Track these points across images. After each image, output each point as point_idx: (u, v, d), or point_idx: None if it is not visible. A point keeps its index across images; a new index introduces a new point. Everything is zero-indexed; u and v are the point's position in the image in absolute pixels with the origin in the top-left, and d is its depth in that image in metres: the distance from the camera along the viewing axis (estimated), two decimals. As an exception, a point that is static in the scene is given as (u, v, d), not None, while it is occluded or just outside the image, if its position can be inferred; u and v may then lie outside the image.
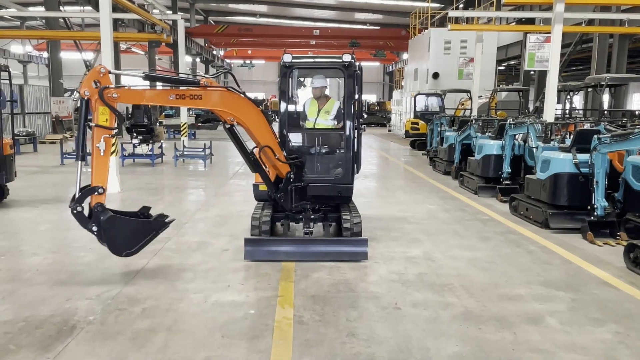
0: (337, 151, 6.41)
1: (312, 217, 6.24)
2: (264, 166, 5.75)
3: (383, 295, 4.81)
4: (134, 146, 14.59)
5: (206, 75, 5.14)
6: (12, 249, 6.23)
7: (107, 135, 4.79)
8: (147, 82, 5.21)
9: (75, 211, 4.74)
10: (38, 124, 21.26)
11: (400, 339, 3.92)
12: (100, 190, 4.82)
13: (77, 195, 4.74)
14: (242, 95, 5.19)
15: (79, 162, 4.83)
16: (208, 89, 5.00)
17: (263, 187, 6.22)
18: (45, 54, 29.86)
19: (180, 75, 5.85)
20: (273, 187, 5.88)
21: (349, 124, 6.14)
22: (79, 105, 5.37)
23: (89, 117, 4.84)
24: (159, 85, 5.49)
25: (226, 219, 7.79)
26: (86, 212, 4.92)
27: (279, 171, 5.79)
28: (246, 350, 3.73)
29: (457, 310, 4.49)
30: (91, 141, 4.79)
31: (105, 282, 5.05)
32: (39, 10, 25.12)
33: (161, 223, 5.11)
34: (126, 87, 4.97)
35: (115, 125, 4.91)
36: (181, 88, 5.04)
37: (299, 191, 5.94)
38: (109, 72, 4.93)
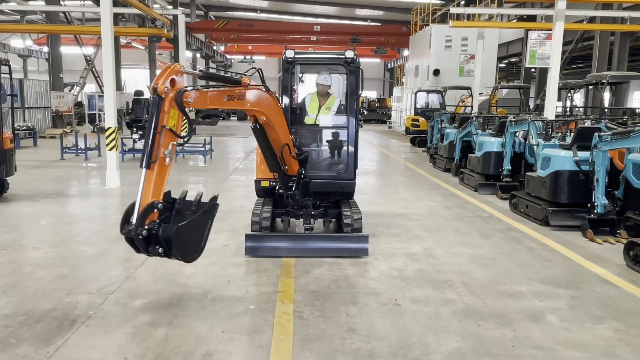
0: (339, 147, 6.40)
1: (312, 213, 6.24)
2: (283, 165, 5.65)
3: (383, 292, 4.81)
4: (134, 141, 14.58)
5: (244, 74, 4.84)
6: (13, 242, 6.23)
7: (175, 143, 4.01)
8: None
9: (140, 237, 3.77)
10: (38, 118, 21.24)
11: (400, 335, 3.93)
12: (160, 206, 3.88)
13: (136, 215, 3.78)
14: (270, 93, 5.00)
15: (144, 170, 3.82)
16: (249, 88, 4.69)
17: (265, 183, 6.22)
18: (45, 49, 29.78)
19: (225, 73, 5.10)
20: (285, 185, 5.85)
21: (351, 120, 6.13)
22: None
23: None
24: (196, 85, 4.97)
25: (227, 215, 7.79)
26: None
27: (291, 168, 5.77)
28: (246, 345, 3.74)
29: (457, 306, 4.50)
30: (152, 146, 3.86)
31: (106, 277, 5.06)
32: (39, 4, 25.07)
33: (213, 208, 4.43)
34: (199, 90, 4.23)
35: (186, 134, 4.11)
36: (230, 88, 4.57)
37: (304, 187, 5.96)
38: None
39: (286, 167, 5.67)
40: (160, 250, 3.84)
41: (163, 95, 3.83)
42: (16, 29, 29.40)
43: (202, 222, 4.27)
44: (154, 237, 3.82)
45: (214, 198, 4.34)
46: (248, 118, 5.19)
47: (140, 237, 3.76)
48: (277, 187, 6.10)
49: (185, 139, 4.09)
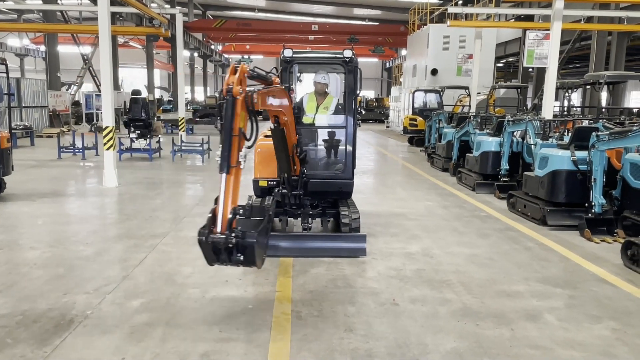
0: (337, 147, 6.39)
1: (310, 212, 6.24)
2: (293, 165, 5.63)
3: (381, 291, 4.81)
4: (132, 140, 14.56)
5: (273, 73, 4.80)
6: (10, 242, 6.21)
7: (245, 147, 3.89)
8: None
9: (232, 243, 3.57)
10: (35, 117, 21.19)
11: (398, 335, 3.93)
12: (241, 212, 3.78)
13: (221, 223, 3.61)
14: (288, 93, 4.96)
15: (224, 176, 3.65)
16: (281, 89, 4.64)
17: (263, 182, 6.22)
18: (42, 48, 29.75)
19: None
20: (292, 184, 5.84)
21: (349, 119, 6.13)
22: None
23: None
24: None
25: (224, 214, 7.78)
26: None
27: (297, 168, 5.75)
28: (244, 345, 3.73)
29: (455, 306, 4.50)
30: (231, 150, 3.71)
31: (103, 276, 5.04)
32: (36, 3, 25.00)
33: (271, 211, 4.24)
34: (258, 91, 4.10)
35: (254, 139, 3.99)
36: (271, 88, 4.53)
37: (304, 187, 5.96)
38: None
39: (295, 166, 5.69)
40: (241, 257, 3.65)
41: (238, 97, 3.69)
42: (13, 28, 29.30)
43: (269, 226, 4.15)
44: (237, 243, 3.62)
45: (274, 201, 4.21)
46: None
47: (231, 244, 3.58)
48: (279, 188, 6.01)
49: (253, 142, 3.98)
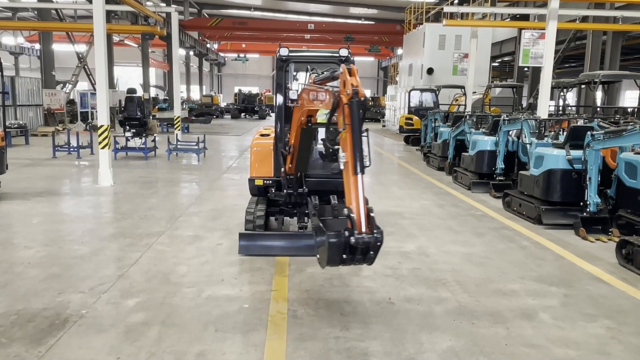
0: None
1: (306, 211, 6.22)
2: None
3: (377, 290, 4.82)
4: (127, 139, 14.51)
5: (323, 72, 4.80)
6: (4, 241, 6.18)
7: None
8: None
9: (380, 242, 3.50)
10: (30, 116, 21.08)
11: (394, 334, 3.93)
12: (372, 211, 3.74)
13: (365, 223, 3.52)
14: None
15: (359, 177, 3.57)
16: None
17: (259, 181, 6.20)
18: (37, 46, 29.57)
19: None
20: (298, 183, 5.85)
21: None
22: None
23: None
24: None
25: (220, 213, 7.77)
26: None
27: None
28: (240, 344, 3.73)
29: (450, 305, 4.51)
30: (362, 150, 3.64)
31: (98, 276, 5.02)
32: (31, 1, 24.85)
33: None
34: None
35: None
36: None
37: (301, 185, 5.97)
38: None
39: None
40: (372, 255, 3.57)
41: (363, 98, 3.62)
42: (8, 26, 29.16)
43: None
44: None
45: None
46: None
47: (379, 244, 3.51)
48: (284, 188, 5.92)
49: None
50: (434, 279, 5.15)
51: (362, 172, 3.58)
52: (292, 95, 4.67)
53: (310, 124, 4.83)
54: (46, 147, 15.36)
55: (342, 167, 3.62)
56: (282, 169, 5.76)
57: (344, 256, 3.52)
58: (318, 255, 3.78)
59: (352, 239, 3.43)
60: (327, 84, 4.56)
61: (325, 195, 6.42)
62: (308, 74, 6.50)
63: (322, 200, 6.54)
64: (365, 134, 3.66)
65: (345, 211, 3.57)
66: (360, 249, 3.48)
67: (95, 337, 3.78)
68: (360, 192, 3.56)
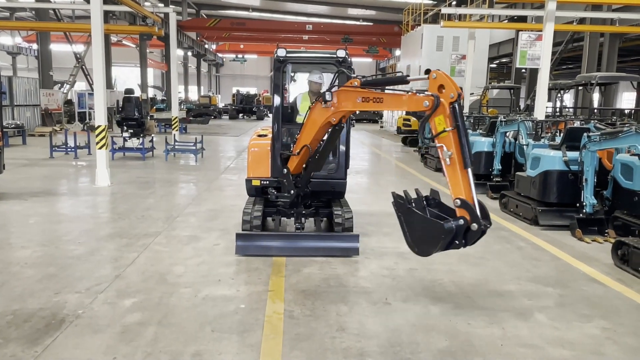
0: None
1: (303, 212, 6.24)
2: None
3: (374, 290, 4.82)
4: (124, 139, 14.50)
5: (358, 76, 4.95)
6: (0, 241, 6.17)
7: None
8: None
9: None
10: (27, 116, 21.04)
11: (390, 334, 3.94)
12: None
13: (480, 212, 3.92)
14: None
15: (469, 171, 3.92)
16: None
17: (256, 182, 6.21)
18: (34, 46, 29.52)
19: None
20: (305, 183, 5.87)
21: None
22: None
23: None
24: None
25: (217, 214, 7.77)
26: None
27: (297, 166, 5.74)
28: (237, 344, 3.73)
29: (447, 305, 4.52)
30: (468, 147, 3.98)
31: (95, 276, 5.02)
32: (28, 1, 24.82)
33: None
34: None
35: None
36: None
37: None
38: None
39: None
40: (478, 239, 4.04)
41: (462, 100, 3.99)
42: (5, 26, 29.11)
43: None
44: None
45: (436, 192, 4.58)
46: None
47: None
48: (291, 189, 5.82)
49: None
50: (431, 280, 5.16)
51: (469, 166, 3.93)
52: (327, 97, 4.86)
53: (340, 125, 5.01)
54: (43, 147, 15.33)
55: (447, 162, 3.96)
56: (285, 170, 5.72)
57: (456, 242, 3.93)
58: (416, 246, 4.28)
59: (475, 226, 3.85)
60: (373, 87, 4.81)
61: (321, 196, 6.45)
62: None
63: (320, 200, 6.59)
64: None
65: (458, 202, 3.90)
66: (471, 234, 3.90)
67: (91, 337, 3.78)
68: (472, 183, 3.92)
